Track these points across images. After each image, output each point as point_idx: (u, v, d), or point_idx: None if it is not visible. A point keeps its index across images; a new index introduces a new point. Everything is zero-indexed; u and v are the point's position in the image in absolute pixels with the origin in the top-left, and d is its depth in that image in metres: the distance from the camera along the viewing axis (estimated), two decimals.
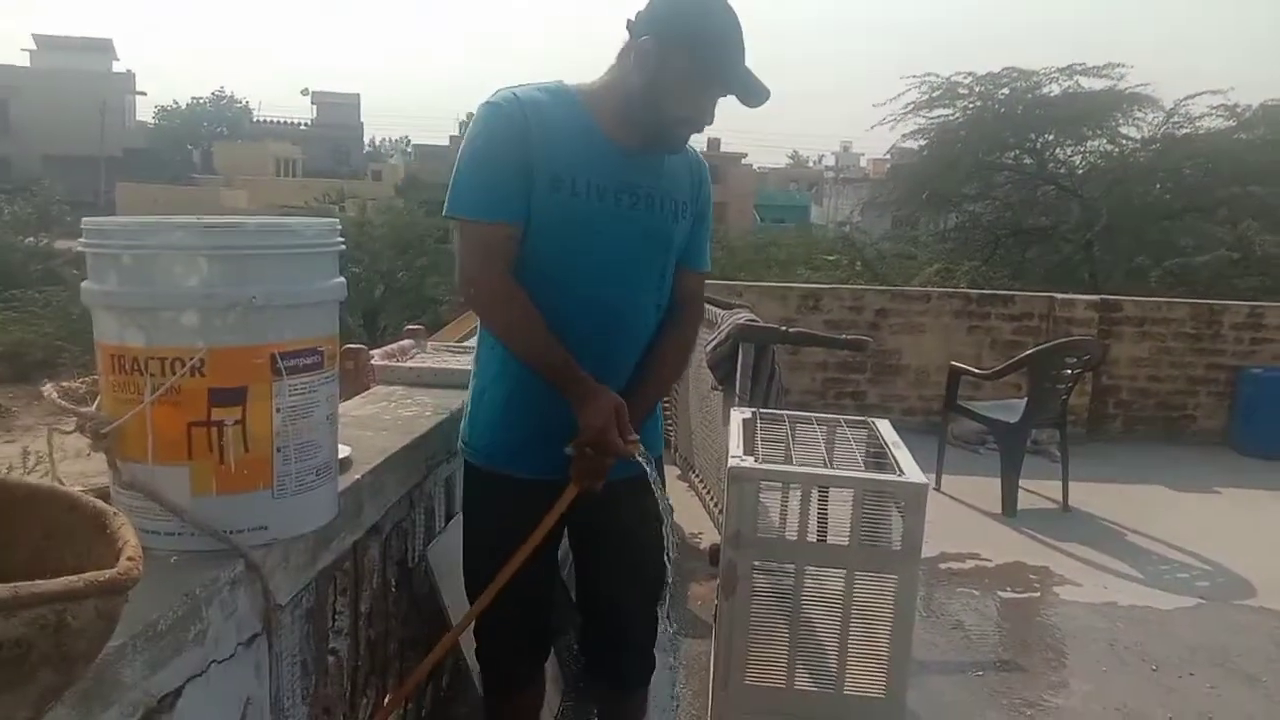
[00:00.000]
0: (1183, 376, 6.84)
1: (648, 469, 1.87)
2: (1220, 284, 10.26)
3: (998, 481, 5.08)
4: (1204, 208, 11.62)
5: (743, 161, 51.76)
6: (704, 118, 1.91)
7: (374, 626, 1.99)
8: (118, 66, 51.62)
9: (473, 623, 2.02)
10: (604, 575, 2.13)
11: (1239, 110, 11.82)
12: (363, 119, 62.65)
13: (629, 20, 1.87)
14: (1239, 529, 4.99)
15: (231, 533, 1.33)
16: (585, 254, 1.89)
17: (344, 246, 1.50)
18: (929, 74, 12.20)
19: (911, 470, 2.38)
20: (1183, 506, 5.39)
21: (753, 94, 1.86)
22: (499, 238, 1.84)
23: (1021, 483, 5.11)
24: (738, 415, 2.88)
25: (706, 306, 4.36)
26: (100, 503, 0.99)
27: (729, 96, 1.90)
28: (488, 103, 1.87)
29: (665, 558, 1.94)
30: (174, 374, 1.28)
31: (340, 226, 1.51)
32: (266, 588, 1.39)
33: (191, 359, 1.28)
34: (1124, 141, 12.23)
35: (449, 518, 2.51)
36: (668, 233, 1.99)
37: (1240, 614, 3.88)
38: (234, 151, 47.73)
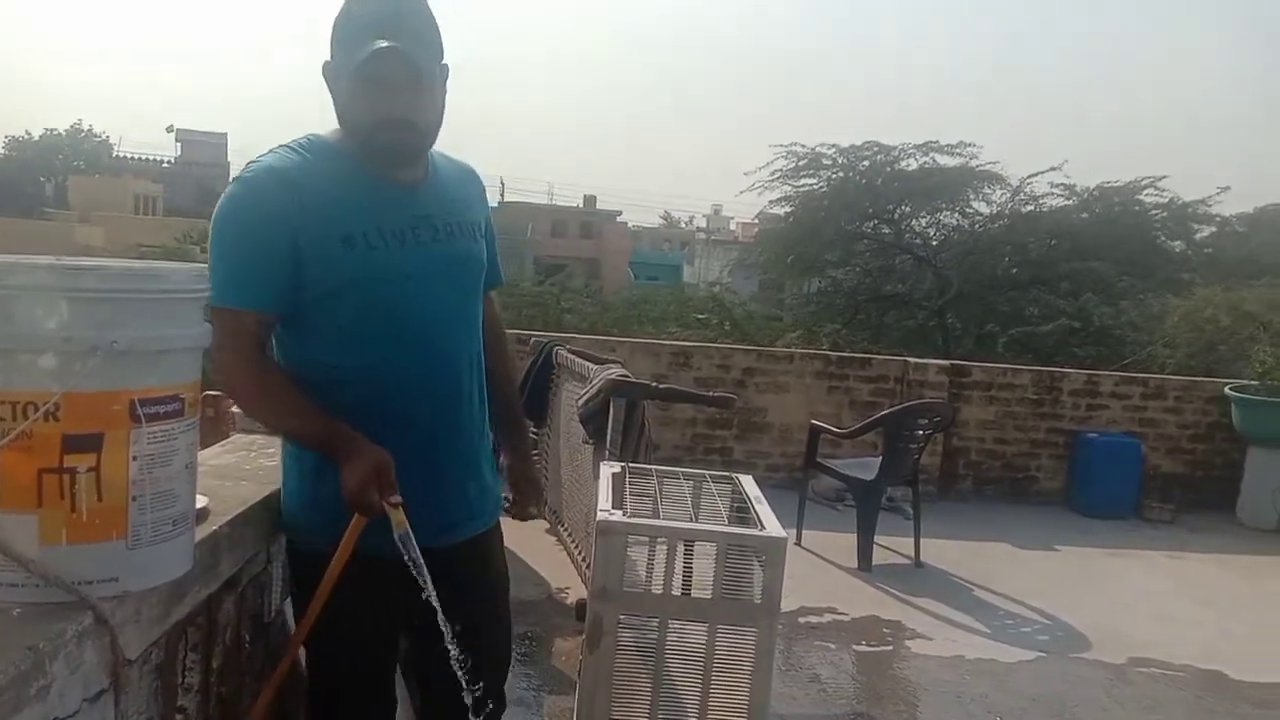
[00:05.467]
0: (1026, 439, 7.21)
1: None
2: (1062, 352, 10.90)
3: (854, 537, 5.25)
4: (1047, 280, 12.39)
5: (618, 219, 52.45)
6: (395, 114, 1.76)
7: (226, 683, 1.93)
8: None
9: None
10: (440, 647, 1.76)
11: (1079, 190, 12.71)
12: (230, 158, 60.96)
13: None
14: (1076, 585, 5.27)
15: (81, 584, 1.28)
16: (400, 301, 1.83)
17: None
18: (795, 143, 12.75)
19: (772, 525, 2.44)
20: (1026, 563, 5.67)
21: (388, 64, 1.70)
22: (249, 325, 1.75)
23: (877, 539, 5.28)
24: (607, 469, 2.90)
25: (580, 361, 4.43)
26: None
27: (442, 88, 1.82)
28: (239, 179, 1.77)
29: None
30: (26, 419, 1.23)
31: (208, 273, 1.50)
32: (116, 641, 1.33)
33: (46, 404, 1.24)
34: (974, 215, 12.98)
35: None
36: (474, 256, 1.96)
37: (1077, 666, 4.09)
38: (90, 186, 45.48)
